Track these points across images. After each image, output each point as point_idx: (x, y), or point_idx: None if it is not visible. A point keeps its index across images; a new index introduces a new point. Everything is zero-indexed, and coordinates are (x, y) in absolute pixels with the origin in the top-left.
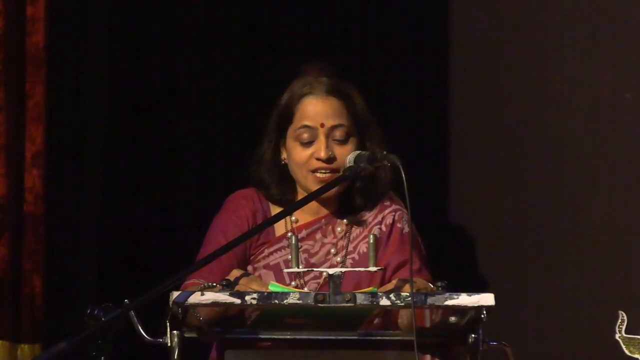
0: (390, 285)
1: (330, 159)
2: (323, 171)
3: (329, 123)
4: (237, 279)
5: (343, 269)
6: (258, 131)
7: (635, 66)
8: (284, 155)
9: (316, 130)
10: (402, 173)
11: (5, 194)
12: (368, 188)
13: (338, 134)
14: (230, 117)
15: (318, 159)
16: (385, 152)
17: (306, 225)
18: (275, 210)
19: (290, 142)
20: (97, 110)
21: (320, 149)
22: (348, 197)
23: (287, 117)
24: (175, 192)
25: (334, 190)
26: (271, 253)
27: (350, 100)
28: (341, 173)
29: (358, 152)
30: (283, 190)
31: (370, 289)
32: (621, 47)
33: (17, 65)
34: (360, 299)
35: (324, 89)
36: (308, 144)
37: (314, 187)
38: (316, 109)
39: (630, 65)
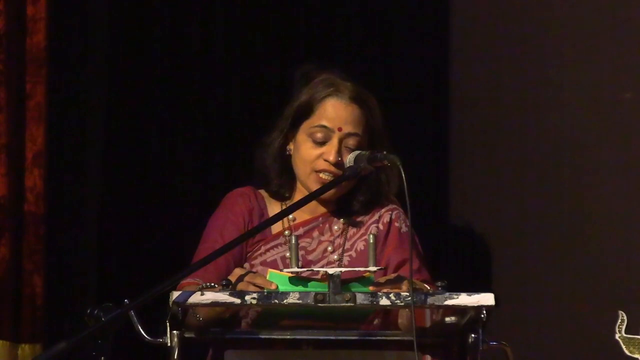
0: (389, 277)
1: (337, 164)
2: (328, 174)
3: (347, 129)
4: (242, 276)
5: (342, 269)
6: (257, 131)
7: (635, 66)
8: (290, 146)
9: (332, 133)
10: (402, 173)
11: (6, 194)
12: (370, 201)
13: (351, 142)
14: (230, 117)
15: (326, 161)
16: (385, 152)
17: (303, 223)
18: (272, 207)
19: (302, 136)
20: (97, 110)
21: (331, 152)
22: (347, 201)
23: (306, 111)
24: (176, 192)
25: (333, 191)
26: (268, 250)
27: (370, 111)
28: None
29: (358, 152)
30: (282, 182)
31: (366, 274)
32: (621, 47)
33: (18, 65)
34: (360, 298)
35: (349, 94)
36: (320, 143)
37: (315, 186)
38: (338, 112)
39: (630, 65)
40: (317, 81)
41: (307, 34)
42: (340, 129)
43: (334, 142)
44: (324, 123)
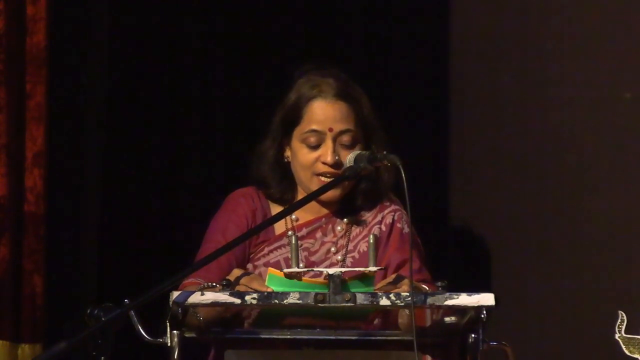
0: (389, 279)
1: (336, 164)
2: (328, 175)
3: (338, 128)
4: (238, 279)
5: (343, 269)
6: (258, 131)
7: (635, 66)
8: (287, 154)
9: (324, 135)
10: (402, 173)
11: (6, 194)
12: (371, 190)
13: (345, 139)
14: (231, 117)
15: (324, 163)
16: (385, 152)
17: (306, 224)
18: (274, 208)
19: (296, 143)
20: (97, 110)
21: (327, 153)
22: (349, 198)
23: (294, 117)
24: (176, 191)
25: (337, 192)
26: (271, 251)
27: (358, 104)
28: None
29: (358, 152)
30: (284, 189)
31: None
32: (621, 47)
33: (18, 65)
34: (360, 298)
35: (333, 92)
36: (315, 147)
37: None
38: (325, 113)
39: (630, 65)
40: (300, 83)
41: (307, 34)
42: (331, 129)
43: (328, 143)
44: (314, 127)
